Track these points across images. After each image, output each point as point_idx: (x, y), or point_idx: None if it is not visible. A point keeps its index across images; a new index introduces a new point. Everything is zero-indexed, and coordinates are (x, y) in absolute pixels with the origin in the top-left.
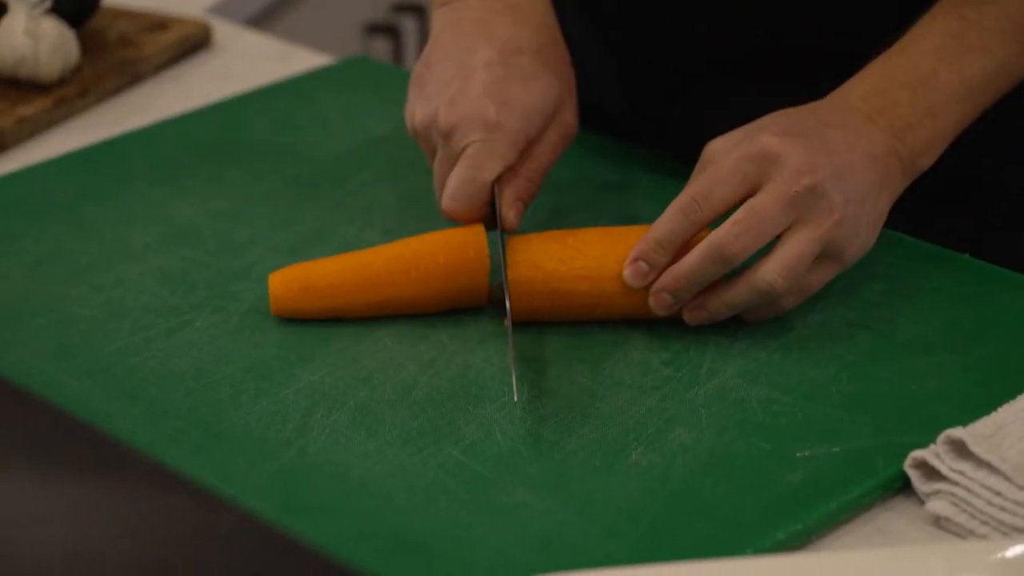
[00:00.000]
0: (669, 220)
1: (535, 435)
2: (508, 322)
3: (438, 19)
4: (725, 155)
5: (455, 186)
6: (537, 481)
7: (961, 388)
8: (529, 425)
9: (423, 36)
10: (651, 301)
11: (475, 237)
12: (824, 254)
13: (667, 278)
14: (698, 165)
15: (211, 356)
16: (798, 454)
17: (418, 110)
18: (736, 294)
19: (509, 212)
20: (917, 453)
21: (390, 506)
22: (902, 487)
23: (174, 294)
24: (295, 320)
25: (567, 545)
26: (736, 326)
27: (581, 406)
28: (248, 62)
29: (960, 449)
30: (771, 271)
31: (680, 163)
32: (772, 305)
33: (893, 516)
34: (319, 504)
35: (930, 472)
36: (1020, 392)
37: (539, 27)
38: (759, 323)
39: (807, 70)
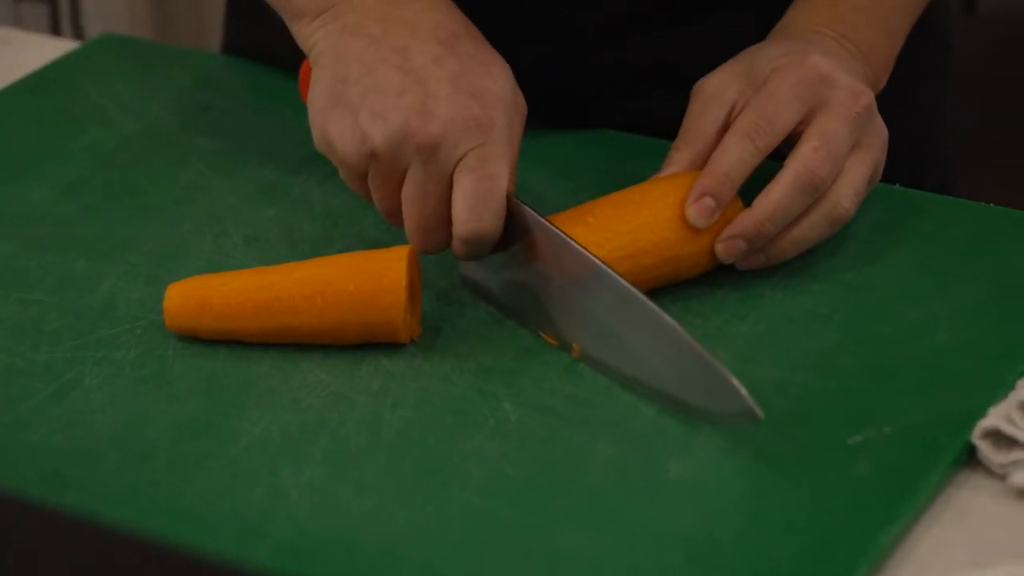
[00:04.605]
0: (735, 148)
1: (547, 463)
2: None
3: (322, 32)
4: (755, 81)
5: (474, 205)
6: (577, 516)
7: (974, 337)
8: (534, 451)
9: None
10: (720, 248)
11: (394, 264)
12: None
13: (747, 221)
14: (693, 104)
15: (122, 419)
16: (849, 441)
17: (375, 131)
18: (811, 227)
19: None
20: (986, 422)
21: (432, 574)
22: (967, 460)
23: (36, 349)
24: (198, 357)
25: None
26: (701, 300)
27: (580, 419)
28: None
29: None
30: (846, 197)
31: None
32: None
33: (970, 494)
34: None
35: (1002, 440)
36: None
37: (447, 3)
38: (728, 294)
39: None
